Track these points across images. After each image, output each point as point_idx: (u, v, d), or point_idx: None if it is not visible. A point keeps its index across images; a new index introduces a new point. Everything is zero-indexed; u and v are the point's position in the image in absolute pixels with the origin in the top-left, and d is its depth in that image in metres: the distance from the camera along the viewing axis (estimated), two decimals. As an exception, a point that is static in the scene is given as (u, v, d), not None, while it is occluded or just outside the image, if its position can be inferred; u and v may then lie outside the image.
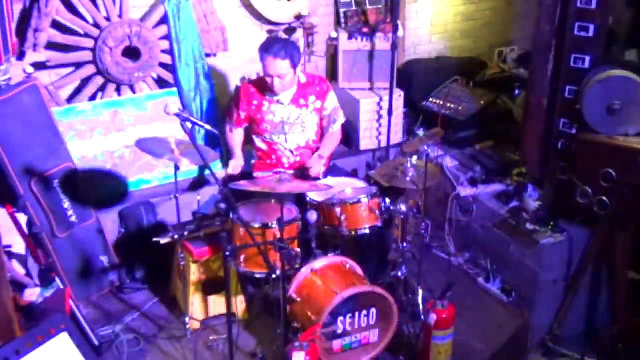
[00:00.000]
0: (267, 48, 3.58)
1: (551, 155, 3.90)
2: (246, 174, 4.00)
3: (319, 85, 3.84)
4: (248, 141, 4.05)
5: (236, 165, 3.89)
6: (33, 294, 3.38)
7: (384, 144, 4.76)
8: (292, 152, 3.88)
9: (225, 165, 3.95)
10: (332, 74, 5.02)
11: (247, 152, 4.08)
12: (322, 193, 3.58)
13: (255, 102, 3.82)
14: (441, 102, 4.80)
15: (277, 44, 3.59)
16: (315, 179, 3.77)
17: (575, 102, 3.63)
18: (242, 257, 3.34)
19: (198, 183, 4.31)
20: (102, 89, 4.17)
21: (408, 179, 3.52)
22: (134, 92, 4.24)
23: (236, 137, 4.00)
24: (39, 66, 3.98)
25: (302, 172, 3.84)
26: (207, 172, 4.26)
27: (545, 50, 3.83)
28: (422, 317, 3.57)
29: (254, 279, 3.63)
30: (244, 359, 3.45)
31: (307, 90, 3.80)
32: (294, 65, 3.64)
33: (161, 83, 4.37)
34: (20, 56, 3.90)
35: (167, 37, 4.18)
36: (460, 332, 3.49)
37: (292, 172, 3.84)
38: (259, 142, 3.94)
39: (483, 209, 4.15)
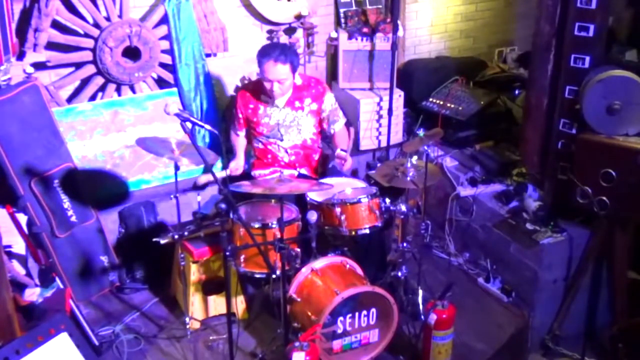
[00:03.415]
0: (267, 53, 3.58)
1: (551, 155, 3.90)
2: (246, 173, 4.01)
3: (315, 88, 3.83)
4: (247, 140, 4.06)
5: (236, 165, 3.94)
6: (33, 294, 3.38)
7: (384, 144, 4.76)
8: (286, 151, 3.88)
9: (226, 166, 3.98)
10: (332, 74, 5.02)
11: (246, 151, 4.08)
12: (322, 193, 3.58)
13: (251, 106, 3.84)
14: (441, 102, 4.80)
15: (277, 49, 3.59)
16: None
17: (575, 102, 3.63)
18: (242, 257, 3.34)
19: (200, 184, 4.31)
20: (102, 89, 4.17)
21: (408, 179, 3.52)
22: (134, 92, 4.24)
23: (240, 140, 4.04)
24: (39, 66, 3.98)
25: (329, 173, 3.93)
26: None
27: (545, 50, 3.83)
28: (422, 317, 3.57)
29: (254, 279, 3.63)
30: (244, 359, 3.45)
31: (302, 93, 3.80)
32: (294, 70, 3.64)
33: (161, 83, 4.37)
34: (20, 56, 3.90)
35: (167, 37, 4.18)
36: (460, 332, 3.49)
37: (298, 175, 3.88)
38: (255, 142, 3.96)
39: (483, 209, 4.15)
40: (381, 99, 4.69)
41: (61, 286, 3.55)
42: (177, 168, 3.42)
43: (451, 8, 5.39)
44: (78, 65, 4.11)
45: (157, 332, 3.67)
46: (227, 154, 4.43)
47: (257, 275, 3.38)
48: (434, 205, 4.52)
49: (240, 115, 3.91)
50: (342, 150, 3.88)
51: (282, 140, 3.85)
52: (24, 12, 3.87)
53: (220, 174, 3.86)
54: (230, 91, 4.68)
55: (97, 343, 3.40)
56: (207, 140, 4.39)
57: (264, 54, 3.59)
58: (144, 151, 3.63)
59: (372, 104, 4.69)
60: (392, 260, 3.70)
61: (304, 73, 4.33)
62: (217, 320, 3.67)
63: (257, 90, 3.81)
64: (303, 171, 3.94)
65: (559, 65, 3.76)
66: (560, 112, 3.78)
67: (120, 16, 4.11)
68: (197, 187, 4.11)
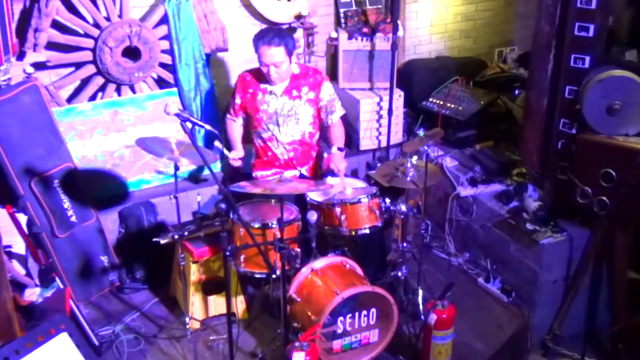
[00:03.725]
0: (261, 37, 3.59)
1: (551, 155, 3.90)
2: (246, 174, 4.01)
3: (313, 77, 3.82)
4: (248, 140, 4.06)
5: (236, 155, 3.88)
6: (33, 294, 3.38)
7: (384, 144, 4.76)
8: (285, 147, 3.88)
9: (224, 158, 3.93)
10: (332, 74, 5.02)
11: (246, 151, 4.08)
12: (322, 193, 3.58)
13: (250, 91, 3.83)
14: (441, 102, 4.80)
15: (271, 32, 3.61)
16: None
17: (575, 102, 3.63)
18: (242, 257, 3.34)
19: (196, 178, 4.30)
20: (102, 89, 4.17)
21: (408, 179, 3.53)
22: (134, 92, 4.24)
23: (236, 129, 3.98)
24: (39, 66, 3.98)
25: (327, 173, 3.90)
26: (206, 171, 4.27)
27: (545, 50, 3.83)
28: (422, 317, 3.57)
29: (254, 279, 3.63)
30: (244, 359, 3.45)
31: (300, 82, 3.79)
32: (289, 53, 3.63)
33: (161, 83, 4.37)
34: (20, 56, 3.90)
35: (167, 37, 4.18)
36: (460, 332, 3.49)
37: (295, 174, 3.87)
38: (255, 138, 3.95)
39: (483, 209, 4.15)
40: (381, 99, 4.69)
41: (61, 286, 3.55)
42: (176, 168, 3.42)
43: (451, 8, 5.39)
44: (78, 65, 4.11)
45: (157, 332, 3.67)
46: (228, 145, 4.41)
47: (257, 275, 3.38)
48: (434, 205, 4.52)
49: (238, 101, 3.88)
50: (338, 149, 3.86)
51: (279, 131, 3.83)
52: (24, 12, 3.88)
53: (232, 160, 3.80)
54: (230, 91, 4.68)
55: (97, 343, 3.40)
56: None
57: (258, 38, 3.61)
58: (144, 151, 3.63)
59: (372, 104, 4.69)
60: (392, 260, 3.70)
61: (302, 64, 4.29)
62: (217, 320, 3.67)
63: (258, 76, 3.81)
64: (303, 171, 3.94)
65: (559, 65, 3.77)
66: (560, 112, 3.78)
67: (120, 16, 4.11)
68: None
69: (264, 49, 3.58)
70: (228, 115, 4.00)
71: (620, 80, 3.44)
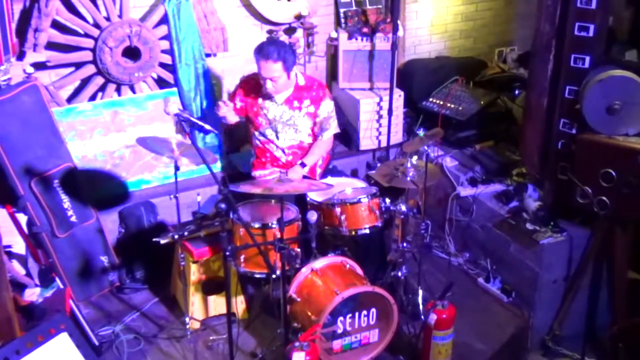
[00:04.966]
0: (260, 50, 3.59)
1: (551, 155, 3.90)
2: (245, 174, 4.01)
3: (316, 91, 3.82)
4: (248, 140, 4.06)
5: (228, 109, 3.76)
6: (33, 294, 3.38)
7: (384, 144, 4.76)
8: (283, 151, 3.88)
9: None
10: (332, 74, 5.02)
11: (247, 151, 4.08)
12: (322, 193, 3.58)
13: (252, 94, 3.83)
14: (441, 102, 4.80)
15: (270, 47, 3.58)
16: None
17: (575, 102, 3.63)
18: (242, 257, 3.34)
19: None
20: (102, 89, 4.17)
21: (408, 179, 3.53)
22: (134, 92, 4.24)
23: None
24: (39, 66, 3.98)
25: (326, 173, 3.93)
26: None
27: (545, 50, 3.83)
28: (422, 317, 3.57)
29: (254, 279, 3.63)
30: (244, 359, 3.45)
31: (303, 93, 3.79)
32: (287, 69, 3.62)
33: (161, 83, 4.37)
34: (20, 56, 3.90)
35: (167, 37, 4.18)
36: (460, 332, 3.49)
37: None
38: (254, 139, 3.94)
39: (483, 209, 4.15)
40: (381, 99, 4.69)
41: (61, 286, 3.55)
42: (177, 168, 3.42)
43: (451, 8, 5.39)
44: (78, 65, 4.11)
45: (157, 332, 3.67)
46: (227, 154, 4.44)
47: (257, 275, 3.38)
48: (434, 205, 4.52)
49: (238, 102, 3.85)
50: (301, 164, 3.80)
51: (277, 137, 3.83)
52: (24, 12, 3.88)
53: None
54: (230, 91, 4.67)
55: (97, 343, 3.40)
56: (207, 140, 4.39)
57: (258, 51, 3.61)
58: (144, 151, 3.62)
59: (372, 104, 4.69)
60: (392, 260, 3.70)
61: (309, 75, 4.27)
62: (217, 320, 3.68)
63: (260, 82, 3.81)
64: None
65: (559, 65, 3.76)
66: (560, 112, 3.78)
67: (120, 16, 4.11)
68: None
69: (262, 63, 3.58)
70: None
71: (620, 80, 3.43)
